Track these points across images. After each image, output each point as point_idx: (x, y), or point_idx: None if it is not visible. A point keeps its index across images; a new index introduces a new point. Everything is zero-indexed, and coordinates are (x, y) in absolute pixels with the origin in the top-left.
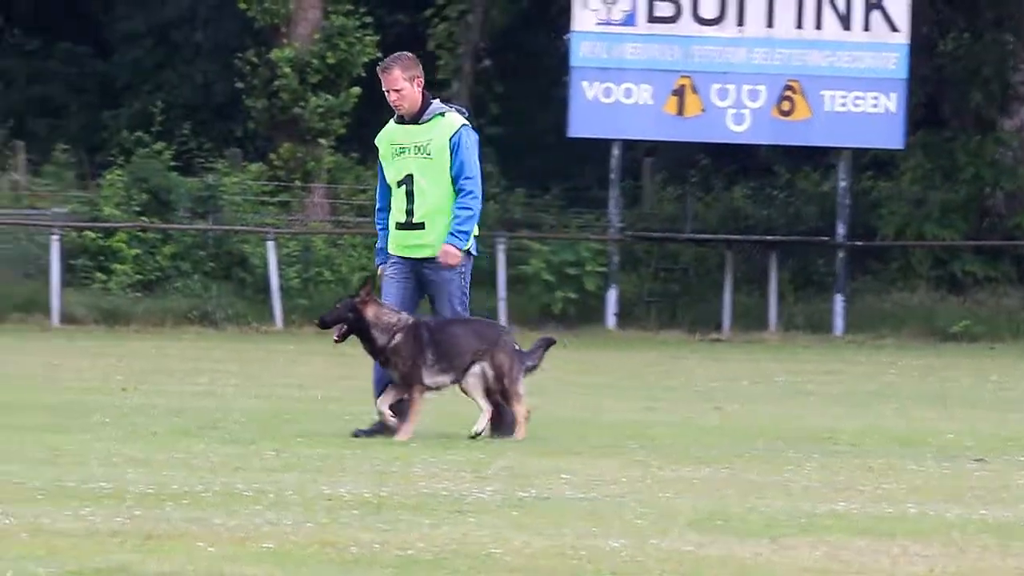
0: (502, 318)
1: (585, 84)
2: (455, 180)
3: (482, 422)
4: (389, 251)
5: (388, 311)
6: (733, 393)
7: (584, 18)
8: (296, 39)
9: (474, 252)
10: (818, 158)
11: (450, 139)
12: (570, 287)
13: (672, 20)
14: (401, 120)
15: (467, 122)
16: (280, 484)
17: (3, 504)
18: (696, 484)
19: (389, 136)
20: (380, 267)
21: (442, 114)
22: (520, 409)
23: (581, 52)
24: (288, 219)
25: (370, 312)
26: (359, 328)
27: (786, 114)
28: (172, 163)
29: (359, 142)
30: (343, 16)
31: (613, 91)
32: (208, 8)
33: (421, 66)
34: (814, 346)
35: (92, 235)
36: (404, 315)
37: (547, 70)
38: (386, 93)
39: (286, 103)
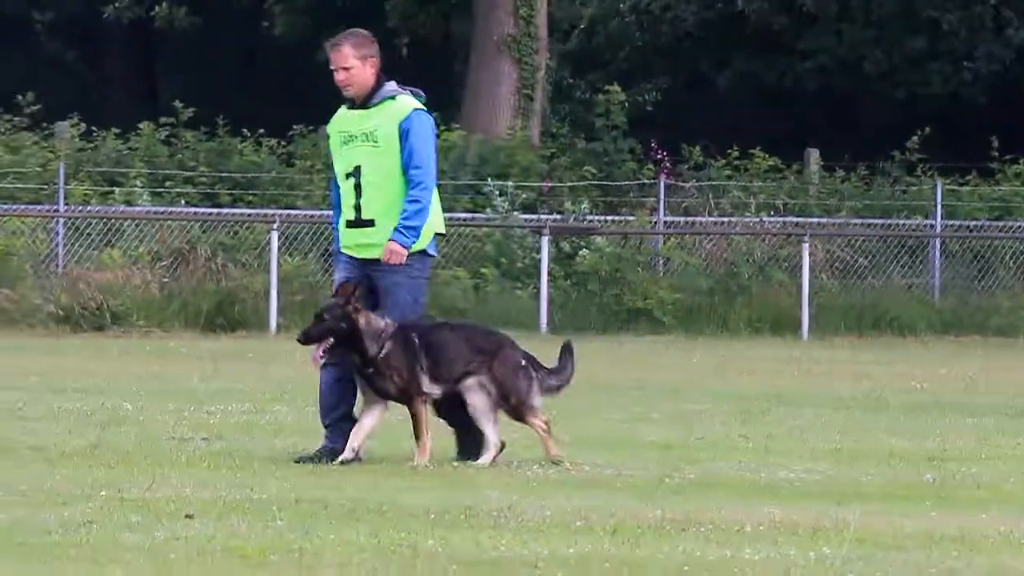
0: None
1: None
2: (405, 170)
3: (489, 455)
4: (342, 249)
5: (375, 317)
6: None
7: None
8: None
9: (432, 252)
10: None
11: (400, 124)
12: None
13: None
14: (353, 105)
15: (421, 106)
16: None
17: None
18: None
19: (339, 123)
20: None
21: (393, 97)
22: (537, 423)
23: None
24: None
25: (362, 320)
26: (352, 340)
27: None
28: None
29: None
30: None
31: None
32: None
33: (377, 46)
34: None
35: None
36: (388, 320)
37: None
38: (334, 72)
39: None
